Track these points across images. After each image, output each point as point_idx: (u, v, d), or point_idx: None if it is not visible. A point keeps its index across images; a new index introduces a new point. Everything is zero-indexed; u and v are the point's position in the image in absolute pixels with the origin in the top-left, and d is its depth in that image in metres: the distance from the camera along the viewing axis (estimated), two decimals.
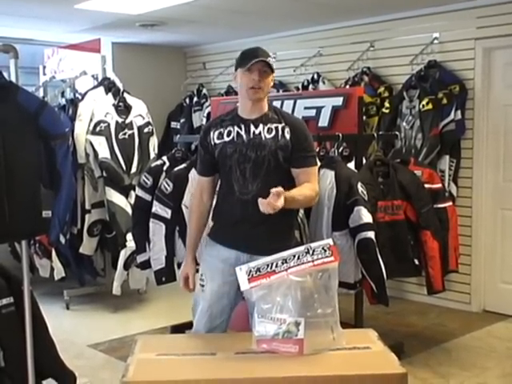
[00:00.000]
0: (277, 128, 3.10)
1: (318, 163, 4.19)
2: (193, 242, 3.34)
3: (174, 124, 7.53)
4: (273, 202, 2.76)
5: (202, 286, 3.22)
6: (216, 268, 3.16)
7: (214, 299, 3.16)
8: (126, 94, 5.90)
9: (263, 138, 3.09)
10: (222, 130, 3.16)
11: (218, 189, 3.31)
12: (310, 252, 2.72)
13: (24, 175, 3.18)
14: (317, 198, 3.22)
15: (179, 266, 4.39)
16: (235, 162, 3.09)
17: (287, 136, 3.10)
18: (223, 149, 3.12)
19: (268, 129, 3.10)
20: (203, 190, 3.30)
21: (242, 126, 3.12)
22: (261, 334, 2.64)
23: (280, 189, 2.80)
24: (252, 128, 3.11)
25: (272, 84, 3.18)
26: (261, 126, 3.11)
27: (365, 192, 3.98)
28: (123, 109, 5.78)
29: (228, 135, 3.13)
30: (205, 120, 6.91)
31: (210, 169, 3.25)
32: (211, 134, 3.18)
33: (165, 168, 4.55)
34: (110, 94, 5.83)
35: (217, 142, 3.15)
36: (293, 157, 3.10)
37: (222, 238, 3.17)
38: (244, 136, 3.11)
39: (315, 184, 3.16)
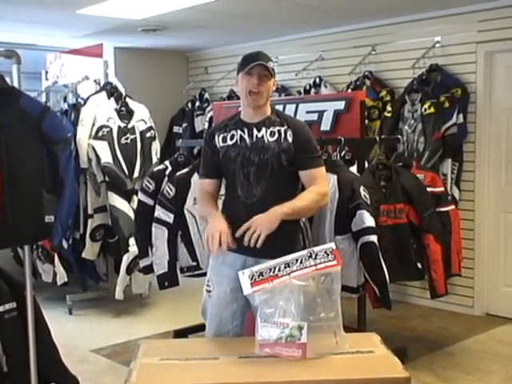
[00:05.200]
0: (279, 131, 3.12)
1: None
2: (215, 206, 3.20)
3: (176, 128, 7.54)
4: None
5: (209, 291, 3.21)
6: (223, 273, 3.14)
7: (223, 305, 3.13)
8: (128, 99, 5.91)
9: (266, 141, 3.10)
10: (225, 134, 3.17)
11: (223, 194, 3.30)
12: (313, 256, 2.72)
13: (27, 180, 3.18)
14: (326, 199, 3.21)
15: (182, 270, 4.41)
16: (239, 166, 3.10)
17: (290, 139, 3.11)
18: (227, 152, 3.14)
19: (271, 132, 3.11)
20: (208, 191, 3.24)
21: (245, 130, 3.14)
22: (264, 338, 2.64)
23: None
24: (255, 131, 3.12)
25: (274, 89, 3.19)
26: (263, 129, 3.12)
27: (367, 196, 3.98)
28: (125, 113, 5.78)
29: (231, 139, 3.15)
30: (207, 124, 6.92)
31: (214, 171, 3.23)
32: (216, 137, 3.19)
33: (167, 172, 4.56)
34: (112, 99, 5.84)
35: (221, 144, 3.16)
36: (297, 159, 3.11)
37: None
38: (247, 139, 3.12)
39: (322, 185, 3.14)
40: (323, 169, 3.20)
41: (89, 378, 4.15)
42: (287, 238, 3.10)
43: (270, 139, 3.10)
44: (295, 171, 3.14)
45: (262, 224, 2.89)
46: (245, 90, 3.08)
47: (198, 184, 3.38)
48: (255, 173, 3.08)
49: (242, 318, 3.16)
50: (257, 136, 3.12)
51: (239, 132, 3.14)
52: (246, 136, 3.13)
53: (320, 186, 3.12)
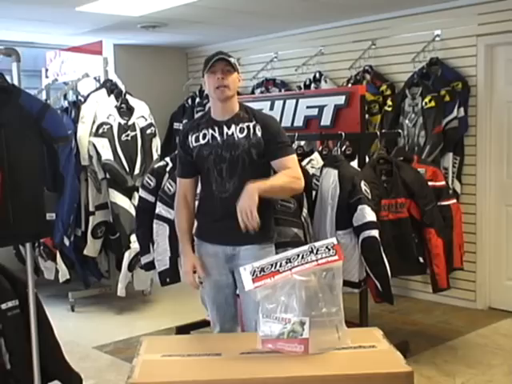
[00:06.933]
0: (248, 127, 3.22)
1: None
2: (187, 235, 3.38)
3: (176, 125, 7.53)
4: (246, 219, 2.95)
5: (201, 283, 3.39)
6: (208, 264, 3.32)
7: (216, 291, 3.35)
8: (128, 96, 5.91)
9: (236, 137, 3.21)
10: (198, 133, 3.28)
11: (199, 191, 3.42)
12: (314, 251, 2.71)
13: (27, 178, 3.18)
14: (299, 182, 3.23)
15: None
16: (212, 163, 3.23)
17: (258, 133, 3.21)
18: (200, 151, 3.25)
19: (240, 128, 3.22)
20: (186, 191, 3.38)
21: (216, 128, 3.25)
22: (266, 334, 2.64)
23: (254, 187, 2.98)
24: (225, 129, 3.23)
25: (239, 83, 3.28)
26: (233, 126, 3.23)
27: (368, 190, 3.98)
28: (126, 110, 5.79)
29: (203, 138, 3.26)
30: None
31: (191, 170, 3.36)
32: (189, 137, 3.30)
33: (168, 169, 4.55)
34: (112, 96, 5.84)
35: (194, 144, 3.27)
36: (268, 150, 3.21)
37: (206, 236, 3.32)
38: (218, 138, 3.23)
39: (295, 170, 3.22)
40: (294, 156, 3.29)
41: (91, 375, 4.17)
42: (262, 226, 3.08)
43: (240, 135, 3.21)
44: (267, 164, 3.23)
45: (245, 204, 2.96)
46: (212, 87, 3.18)
47: (177, 183, 3.50)
48: (227, 169, 3.20)
49: (234, 299, 3.40)
50: (227, 133, 3.22)
51: (210, 131, 3.25)
52: (216, 134, 3.24)
53: (292, 170, 3.20)
